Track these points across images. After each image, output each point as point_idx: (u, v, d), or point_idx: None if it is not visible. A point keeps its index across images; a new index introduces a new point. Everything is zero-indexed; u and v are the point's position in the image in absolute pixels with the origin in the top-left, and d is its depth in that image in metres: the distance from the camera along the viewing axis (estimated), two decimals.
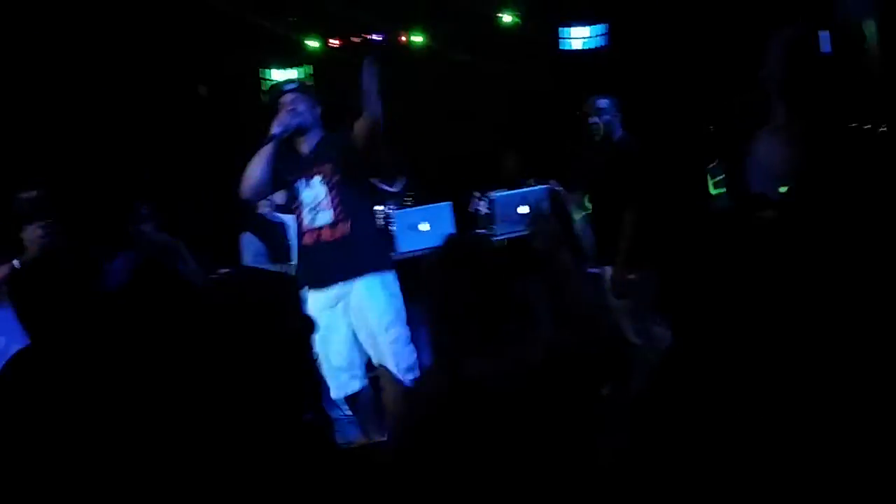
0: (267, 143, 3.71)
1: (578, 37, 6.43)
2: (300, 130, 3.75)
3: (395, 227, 5.23)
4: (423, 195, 5.71)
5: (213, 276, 4.95)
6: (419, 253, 5.21)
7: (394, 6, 6.08)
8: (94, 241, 5.26)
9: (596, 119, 4.49)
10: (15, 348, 3.85)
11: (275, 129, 3.69)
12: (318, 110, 3.84)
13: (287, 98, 3.75)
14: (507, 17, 6.20)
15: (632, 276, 4.28)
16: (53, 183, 4.05)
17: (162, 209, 5.29)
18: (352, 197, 3.77)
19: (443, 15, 6.13)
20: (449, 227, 5.25)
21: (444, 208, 5.29)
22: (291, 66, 6.30)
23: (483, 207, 5.33)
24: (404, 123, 6.52)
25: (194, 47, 5.82)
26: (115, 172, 5.72)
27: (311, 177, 3.76)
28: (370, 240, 3.76)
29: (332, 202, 3.73)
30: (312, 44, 6.30)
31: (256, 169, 3.71)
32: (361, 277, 3.59)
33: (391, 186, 5.64)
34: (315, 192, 3.76)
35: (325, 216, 3.73)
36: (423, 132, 6.68)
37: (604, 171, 4.44)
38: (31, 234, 3.68)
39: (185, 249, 5.34)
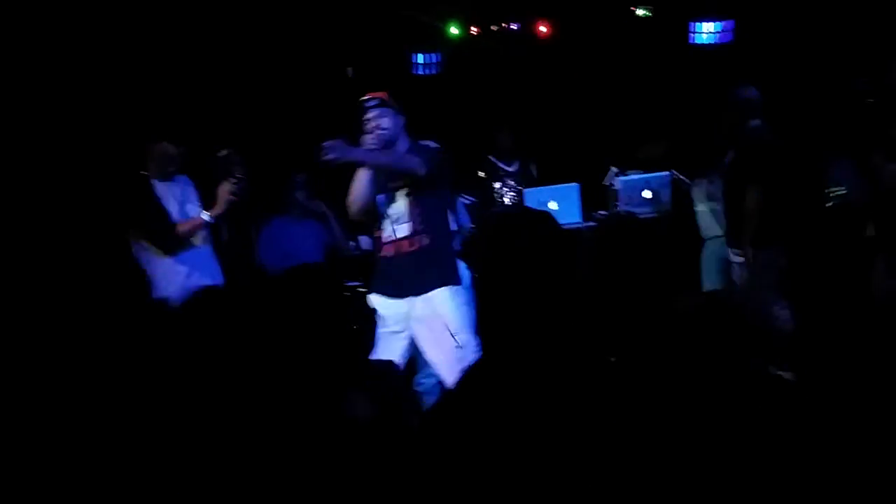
0: (362, 168, 3.69)
1: (707, 31, 6.63)
2: (388, 145, 3.75)
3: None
4: (547, 175, 6.06)
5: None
6: None
7: None
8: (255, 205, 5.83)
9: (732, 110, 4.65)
10: (204, 282, 4.39)
11: (366, 155, 3.68)
12: (403, 121, 3.82)
13: (372, 115, 3.73)
14: (639, 11, 6.46)
15: (753, 256, 4.48)
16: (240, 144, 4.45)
17: (315, 179, 5.75)
18: (432, 209, 3.75)
19: (578, 6, 6.44)
20: (576, 207, 5.61)
21: (573, 189, 5.64)
22: (431, 50, 6.75)
23: (616, 183, 5.66)
24: (534, 108, 6.90)
25: (345, 33, 6.32)
26: (276, 143, 6.30)
27: (395, 189, 3.78)
28: (445, 252, 3.77)
29: (412, 214, 3.72)
30: (454, 31, 6.72)
31: (360, 193, 3.73)
32: (434, 291, 3.64)
33: (508, 166, 6.09)
34: (397, 205, 3.75)
35: (405, 228, 3.72)
36: (556, 118, 7.02)
37: (738, 157, 4.59)
38: (223, 189, 4.15)
39: (334, 220, 5.78)
